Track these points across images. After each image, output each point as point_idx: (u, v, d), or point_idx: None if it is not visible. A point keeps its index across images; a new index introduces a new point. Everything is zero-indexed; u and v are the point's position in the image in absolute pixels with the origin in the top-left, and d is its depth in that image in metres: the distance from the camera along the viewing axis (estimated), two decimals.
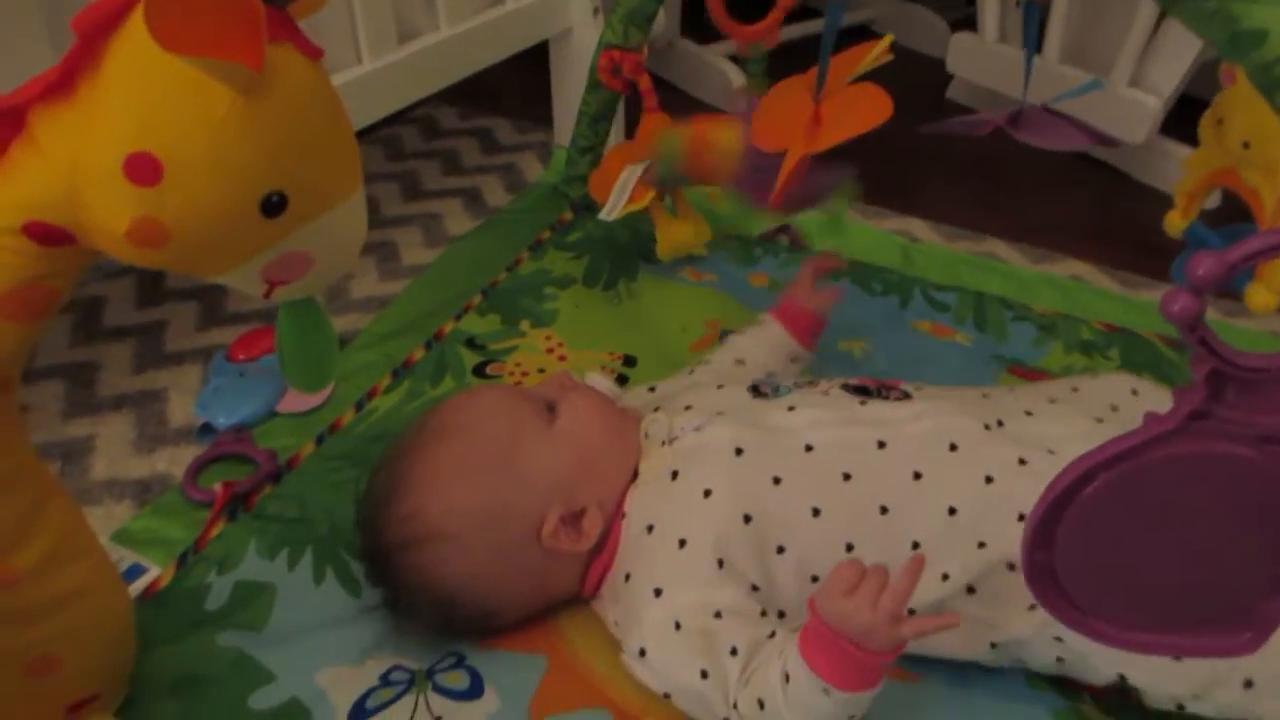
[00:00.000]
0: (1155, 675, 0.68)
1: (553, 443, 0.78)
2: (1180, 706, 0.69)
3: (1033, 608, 0.69)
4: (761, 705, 0.66)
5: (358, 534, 0.79)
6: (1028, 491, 0.70)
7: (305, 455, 0.96)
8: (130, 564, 0.84)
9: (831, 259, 1.02)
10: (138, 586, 0.81)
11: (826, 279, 1.01)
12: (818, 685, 0.63)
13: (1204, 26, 0.47)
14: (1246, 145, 0.91)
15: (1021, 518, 0.70)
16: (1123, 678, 0.69)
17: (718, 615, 0.69)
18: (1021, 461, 0.73)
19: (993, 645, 0.73)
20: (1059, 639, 0.70)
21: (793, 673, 0.64)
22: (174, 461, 0.97)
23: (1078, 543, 0.54)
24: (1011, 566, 0.70)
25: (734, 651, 0.68)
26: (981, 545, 0.71)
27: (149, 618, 0.75)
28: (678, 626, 0.70)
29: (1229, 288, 0.95)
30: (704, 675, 0.69)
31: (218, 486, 0.89)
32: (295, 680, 0.75)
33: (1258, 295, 0.89)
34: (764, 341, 0.97)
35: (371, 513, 0.77)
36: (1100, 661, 0.69)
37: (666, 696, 0.71)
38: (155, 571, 0.83)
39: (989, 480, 0.72)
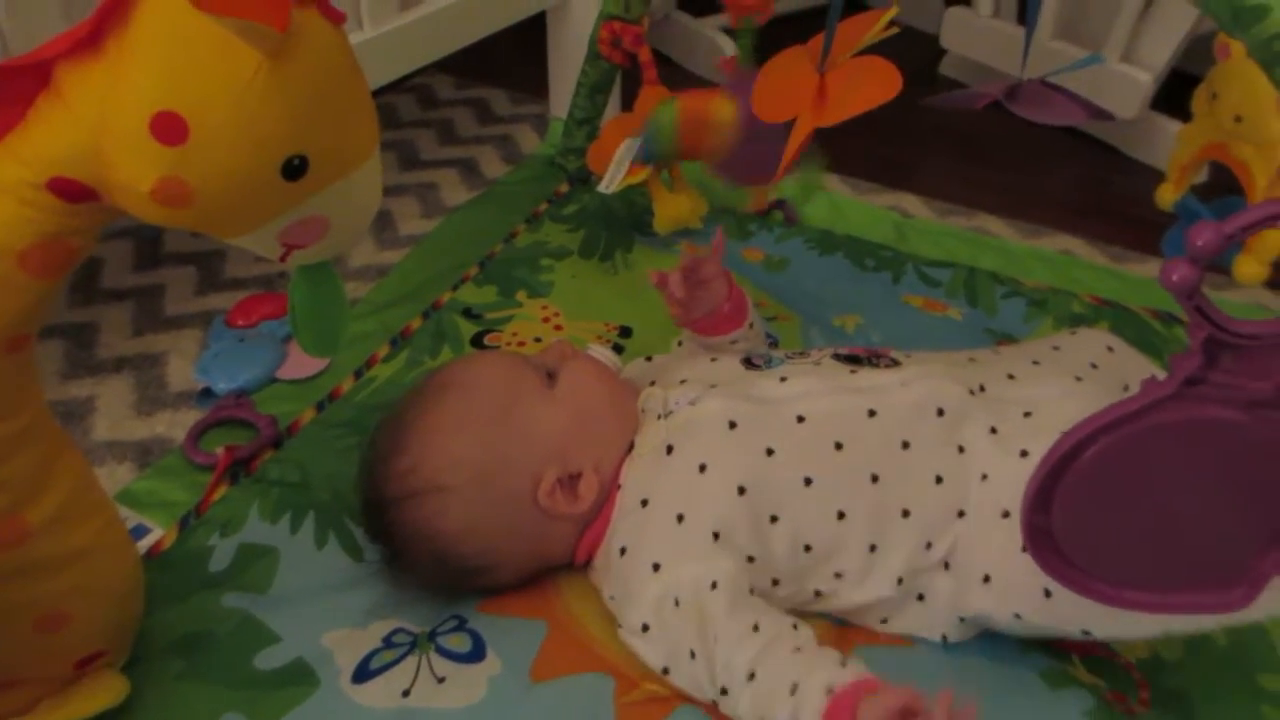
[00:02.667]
0: (1116, 628, 0.70)
1: (552, 404, 0.79)
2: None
3: (987, 580, 0.72)
4: None
5: (358, 491, 0.80)
6: (994, 458, 0.73)
7: (305, 422, 0.96)
8: (133, 524, 0.84)
9: (691, 258, 0.91)
10: (141, 547, 0.81)
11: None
12: None
13: (1205, 1, 0.48)
14: (1239, 119, 0.92)
15: (985, 478, 0.73)
16: (1086, 632, 0.70)
17: (714, 586, 0.70)
18: (993, 430, 0.74)
19: (961, 620, 0.75)
20: (1018, 615, 0.71)
21: None
22: (174, 425, 0.97)
23: (1076, 505, 0.55)
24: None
25: (715, 639, 0.68)
26: (961, 514, 0.73)
27: (152, 578, 0.74)
28: (677, 603, 0.70)
29: (1218, 261, 0.97)
30: (693, 655, 0.69)
31: (220, 450, 0.90)
32: (300, 641, 0.75)
33: (1246, 267, 0.91)
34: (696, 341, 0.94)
35: (373, 469, 0.78)
36: (1065, 621, 0.70)
37: (665, 671, 0.71)
38: (158, 533, 0.84)
39: (961, 450, 0.74)
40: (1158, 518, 0.56)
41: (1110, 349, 0.87)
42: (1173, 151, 1.03)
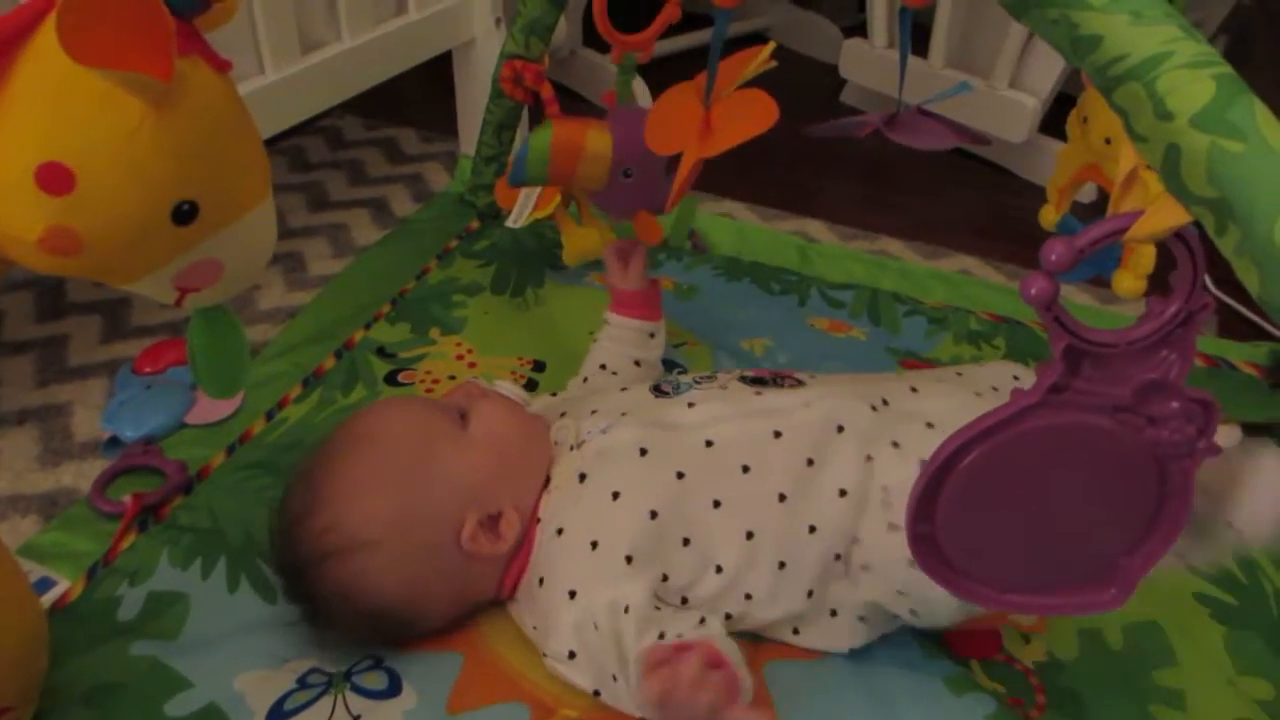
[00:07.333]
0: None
1: (466, 447, 0.79)
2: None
3: (866, 568, 0.74)
4: None
5: (273, 550, 0.78)
6: (894, 470, 0.74)
7: (216, 465, 0.96)
8: (38, 577, 0.83)
9: (627, 243, 1.05)
10: (47, 600, 0.80)
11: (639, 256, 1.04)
12: None
13: (1048, 32, 0.51)
14: (1108, 141, 0.97)
15: (885, 489, 0.74)
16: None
17: (626, 610, 0.71)
18: (895, 445, 0.75)
19: (860, 619, 0.77)
20: (901, 591, 0.73)
21: None
22: (80, 475, 0.96)
23: (956, 513, 0.58)
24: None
25: (630, 663, 0.69)
26: (862, 523, 0.74)
27: (59, 631, 0.74)
28: (596, 627, 0.71)
29: (1100, 275, 1.01)
30: (614, 679, 0.71)
31: (127, 498, 0.89)
32: (212, 686, 0.75)
33: (1124, 281, 0.95)
34: (615, 339, 1.01)
35: (288, 528, 0.76)
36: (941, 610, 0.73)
37: (596, 694, 0.73)
38: (64, 584, 0.83)
39: (869, 459, 0.75)
40: (1033, 522, 0.58)
41: (1016, 378, 0.90)
42: (1052, 174, 1.08)
